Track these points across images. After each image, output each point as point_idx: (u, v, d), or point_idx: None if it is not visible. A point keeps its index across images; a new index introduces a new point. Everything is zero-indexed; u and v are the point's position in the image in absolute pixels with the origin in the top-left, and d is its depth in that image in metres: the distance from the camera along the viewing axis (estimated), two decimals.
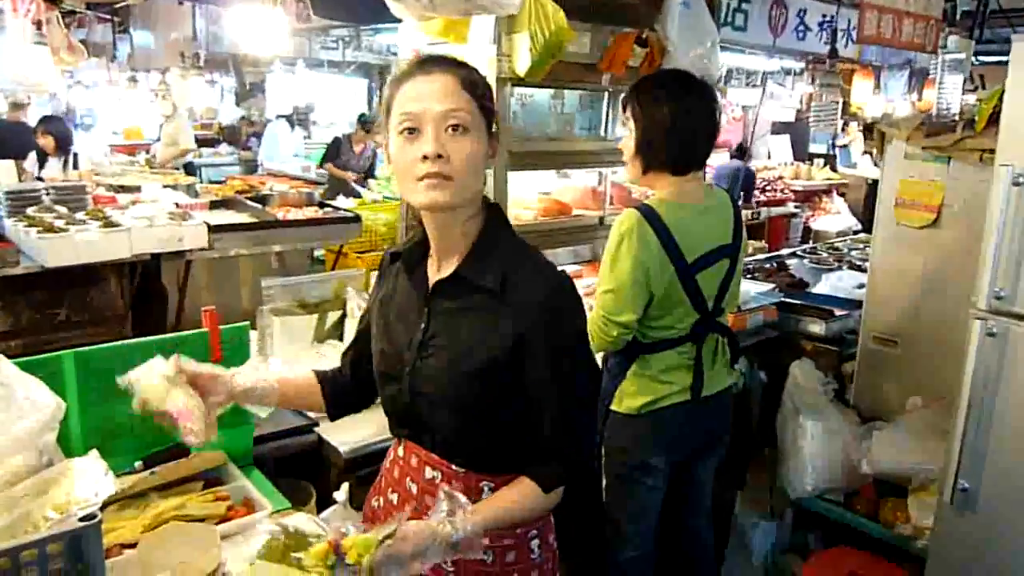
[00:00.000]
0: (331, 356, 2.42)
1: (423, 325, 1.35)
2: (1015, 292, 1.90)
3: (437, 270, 1.37)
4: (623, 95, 2.18)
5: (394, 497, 1.45)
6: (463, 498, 1.18)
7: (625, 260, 2.02)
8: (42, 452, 1.28)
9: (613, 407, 2.19)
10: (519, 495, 1.28)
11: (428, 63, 1.26)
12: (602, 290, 2.08)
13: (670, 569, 2.42)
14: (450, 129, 1.22)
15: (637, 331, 2.10)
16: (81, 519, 1.02)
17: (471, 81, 1.25)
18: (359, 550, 1.11)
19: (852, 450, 2.70)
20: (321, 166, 7.18)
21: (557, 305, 1.29)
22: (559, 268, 1.34)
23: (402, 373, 1.35)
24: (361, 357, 1.51)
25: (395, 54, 8.49)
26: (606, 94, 3.27)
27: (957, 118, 2.70)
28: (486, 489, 1.34)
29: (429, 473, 1.38)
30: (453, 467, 1.35)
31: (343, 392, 1.55)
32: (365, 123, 7.48)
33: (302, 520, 1.37)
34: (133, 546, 1.44)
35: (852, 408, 2.91)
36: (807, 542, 2.89)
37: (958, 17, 4.55)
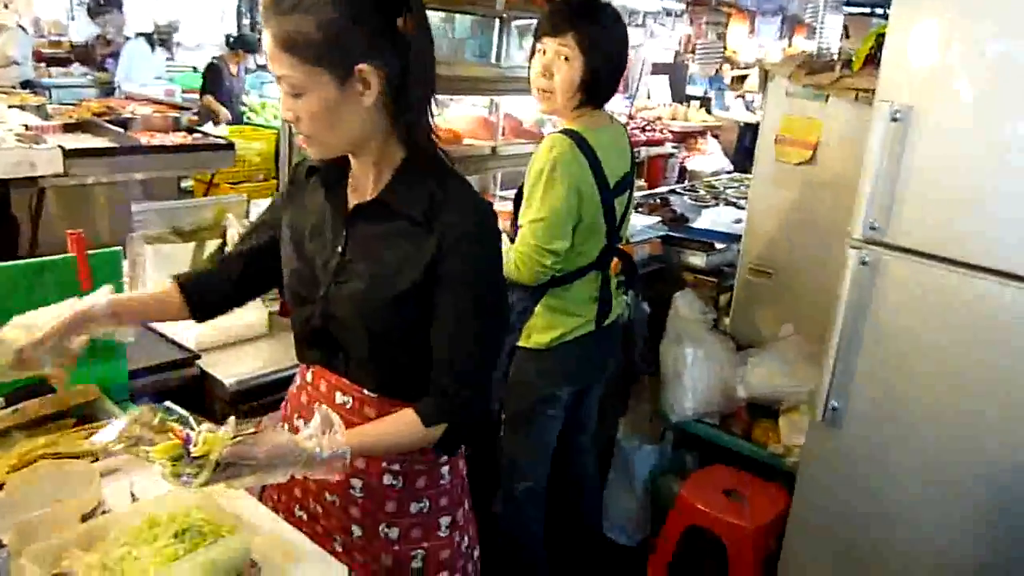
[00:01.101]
0: None
1: (340, 248, 1.29)
2: (887, 224, 2.02)
3: (356, 192, 1.30)
4: (550, 19, 2.05)
5: (300, 423, 1.39)
6: (338, 419, 1.16)
7: (559, 187, 1.98)
8: None
9: (520, 343, 2.18)
10: (398, 425, 1.25)
11: (264, 12, 1.14)
12: (532, 219, 2.01)
13: (558, 491, 2.49)
14: (287, 91, 1.17)
15: None
16: None
17: (290, 38, 1.12)
18: (209, 445, 1.08)
19: (729, 375, 2.84)
20: (201, 97, 6.69)
21: (480, 239, 1.25)
22: (485, 200, 1.30)
23: (316, 296, 1.30)
24: (245, 255, 1.45)
25: None
26: (498, 20, 3.19)
27: (836, 58, 2.81)
28: None
29: (340, 398, 1.33)
30: (365, 392, 1.31)
31: (209, 291, 1.45)
32: (241, 41, 7.04)
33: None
34: None
35: (729, 336, 3.05)
36: (685, 463, 3.04)
37: None
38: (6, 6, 5.81)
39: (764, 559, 2.49)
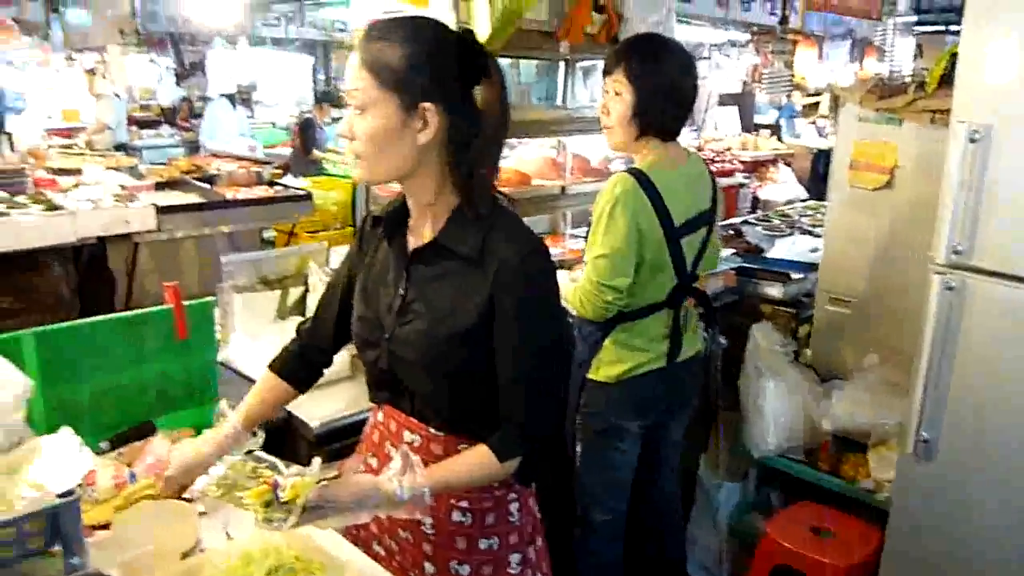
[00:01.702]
0: (294, 333, 2.38)
1: (402, 291, 1.34)
2: (971, 247, 1.96)
3: (415, 236, 1.37)
4: (608, 59, 2.12)
5: (374, 462, 1.45)
6: (417, 459, 1.20)
7: (619, 223, 2.01)
8: (11, 432, 1.23)
9: (590, 375, 2.19)
10: (473, 462, 1.28)
11: (362, 37, 1.26)
12: (595, 255, 2.04)
13: (640, 528, 2.46)
14: (352, 103, 1.25)
15: None
16: (59, 495, 0.99)
17: (375, 60, 1.22)
18: (296, 490, 1.13)
19: (812, 408, 2.77)
20: (305, 152, 7.05)
21: (530, 270, 1.28)
22: (536, 235, 1.34)
23: (381, 338, 1.35)
24: (326, 320, 1.52)
25: (341, 30, 8.35)
26: (563, 63, 3.25)
27: (908, 80, 2.75)
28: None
29: (408, 436, 1.38)
30: (431, 430, 1.35)
31: (302, 365, 1.55)
32: (325, 96, 7.41)
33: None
34: (105, 527, 1.41)
35: (810, 368, 2.97)
36: (769, 500, 2.95)
37: None
38: (103, 76, 6.22)
39: None
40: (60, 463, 1.14)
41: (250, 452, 1.35)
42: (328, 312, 1.52)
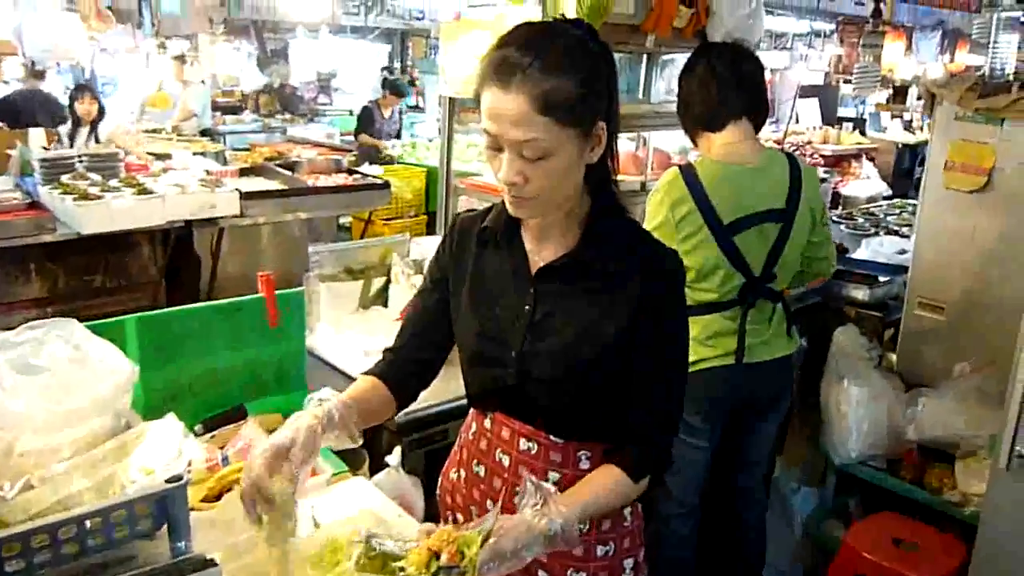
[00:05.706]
0: (376, 322, 2.42)
1: (529, 307, 1.28)
2: None
3: (537, 245, 1.29)
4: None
5: (480, 469, 1.40)
6: (551, 487, 1.13)
7: (659, 213, 2.07)
8: (120, 415, 1.29)
9: None
10: (609, 483, 1.24)
11: (505, 70, 1.10)
12: None
13: (719, 527, 2.43)
14: (528, 155, 1.13)
15: None
16: (168, 480, 1.03)
17: (549, 100, 1.09)
18: (457, 548, 1.09)
19: (897, 416, 2.68)
20: (356, 136, 7.07)
21: (673, 293, 1.27)
22: (673, 250, 1.30)
23: (508, 356, 1.29)
24: (421, 337, 1.42)
25: (419, 18, 8.42)
26: (645, 56, 3.20)
27: (1011, 78, 2.63)
28: (583, 458, 1.31)
29: (524, 444, 1.33)
30: (551, 438, 1.31)
31: (406, 381, 1.41)
32: (392, 86, 7.40)
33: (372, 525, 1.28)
34: (193, 509, 1.45)
35: (896, 374, 2.88)
36: (848, 508, 2.88)
37: None
38: (192, 64, 6.42)
39: None
40: (165, 448, 1.19)
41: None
42: (428, 332, 1.41)
